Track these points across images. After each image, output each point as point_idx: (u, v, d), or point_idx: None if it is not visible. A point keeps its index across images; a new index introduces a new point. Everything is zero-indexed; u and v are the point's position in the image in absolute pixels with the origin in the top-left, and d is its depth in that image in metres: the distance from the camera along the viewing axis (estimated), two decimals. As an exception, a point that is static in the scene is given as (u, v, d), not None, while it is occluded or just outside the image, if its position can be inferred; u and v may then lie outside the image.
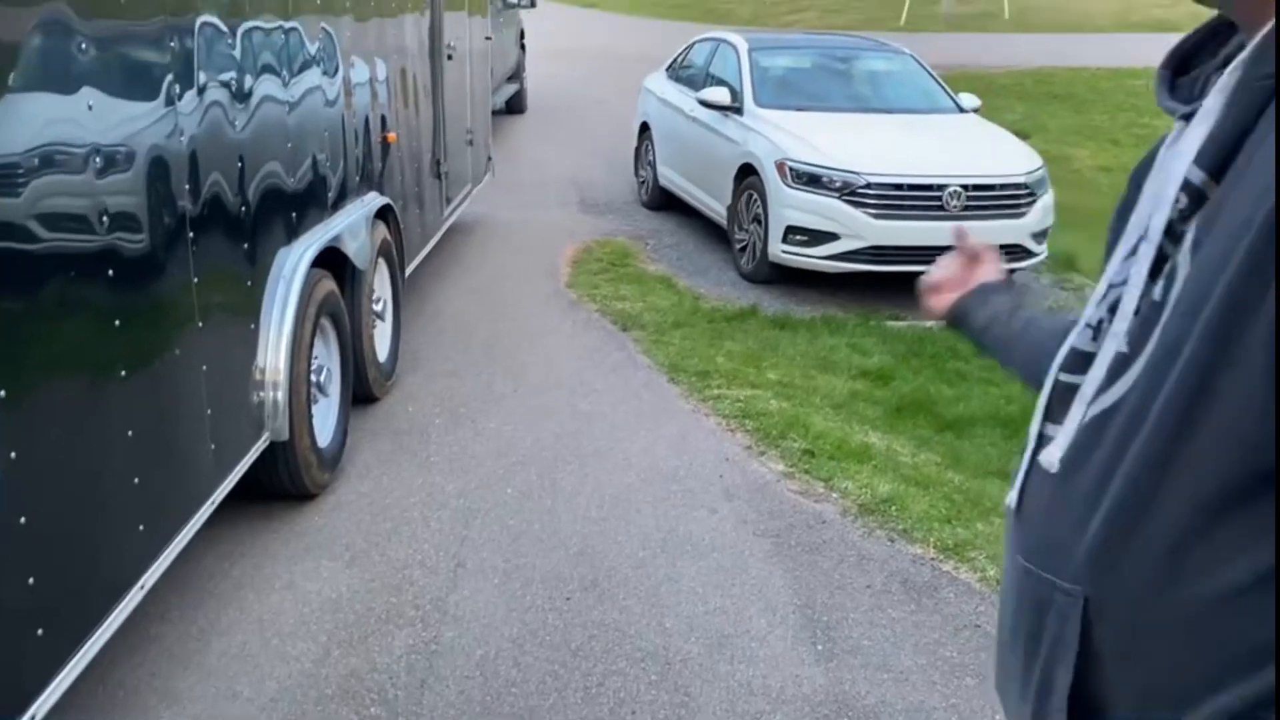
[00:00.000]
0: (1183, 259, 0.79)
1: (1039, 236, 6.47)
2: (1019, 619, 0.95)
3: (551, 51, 16.24)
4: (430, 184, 5.95)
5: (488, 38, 8.06)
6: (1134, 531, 0.80)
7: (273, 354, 3.35)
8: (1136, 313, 0.84)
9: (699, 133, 7.61)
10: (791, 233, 6.38)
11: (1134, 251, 0.87)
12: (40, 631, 2.06)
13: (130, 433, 2.42)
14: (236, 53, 3.08)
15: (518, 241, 7.42)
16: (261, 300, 3.35)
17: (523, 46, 12.85)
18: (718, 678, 2.90)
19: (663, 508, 3.82)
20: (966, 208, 6.20)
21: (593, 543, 3.56)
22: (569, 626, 3.10)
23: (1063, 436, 0.89)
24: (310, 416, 3.64)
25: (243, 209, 3.15)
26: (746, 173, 6.83)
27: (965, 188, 6.20)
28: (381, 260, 4.71)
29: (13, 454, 1.94)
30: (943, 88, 7.69)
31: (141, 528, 2.50)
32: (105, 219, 2.30)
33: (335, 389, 4.02)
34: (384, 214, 4.72)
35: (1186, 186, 0.81)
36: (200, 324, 2.83)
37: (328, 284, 3.84)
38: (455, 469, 4.06)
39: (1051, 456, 0.90)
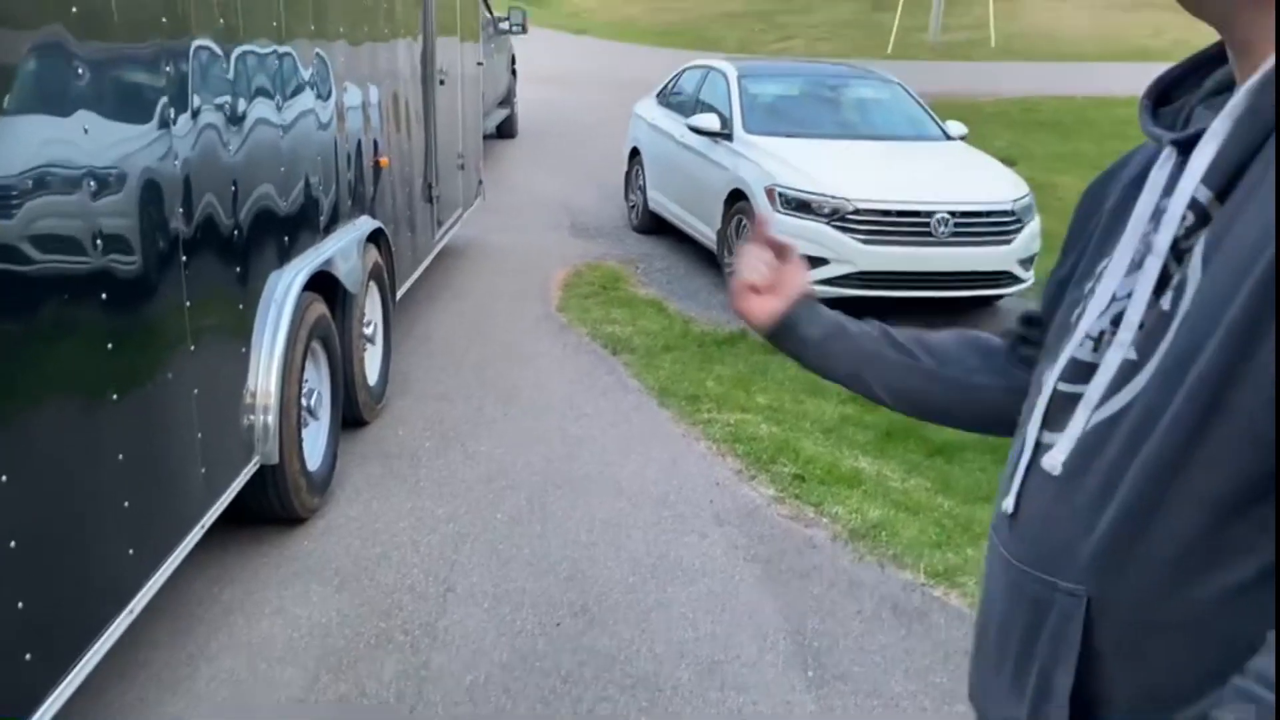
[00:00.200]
0: (1192, 272, 0.83)
1: (1025, 263, 6.52)
2: (1010, 622, 0.97)
3: (543, 76, 16.33)
4: (422, 208, 5.96)
5: (480, 63, 8.10)
6: (1142, 532, 0.83)
7: (264, 377, 3.34)
8: (1141, 325, 0.87)
9: (689, 158, 7.66)
10: (781, 258, 6.40)
11: (1138, 266, 0.90)
12: (29, 656, 2.05)
13: (121, 456, 2.41)
14: (230, 76, 3.09)
15: (509, 265, 7.44)
16: (253, 323, 3.35)
17: (514, 72, 12.92)
18: (708, 704, 2.89)
19: (653, 532, 3.81)
20: (954, 234, 6.25)
21: (583, 568, 3.56)
22: (559, 652, 3.09)
23: (1065, 441, 0.91)
24: (300, 440, 3.63)
25: (235, 232, 3.16)
26: (736, 198, 6.87)
27: (953, 214, 6.25)
28: (373, 284, 4.71)
29: (3, 477, 1.93)
30: (930, 115, 7.76)
31: (131, 551, 2.49)
32: (99, 241, 2.30)
33: (325, 412, 4.01)
34: (375, 238, 4.73)
35: (1193, 205, 0.85)
36: (192, 347, 2.83)
37: (319, 307, 3.84)
38: (445, 493, 4.05)
39: (1055, 460, 0.92)
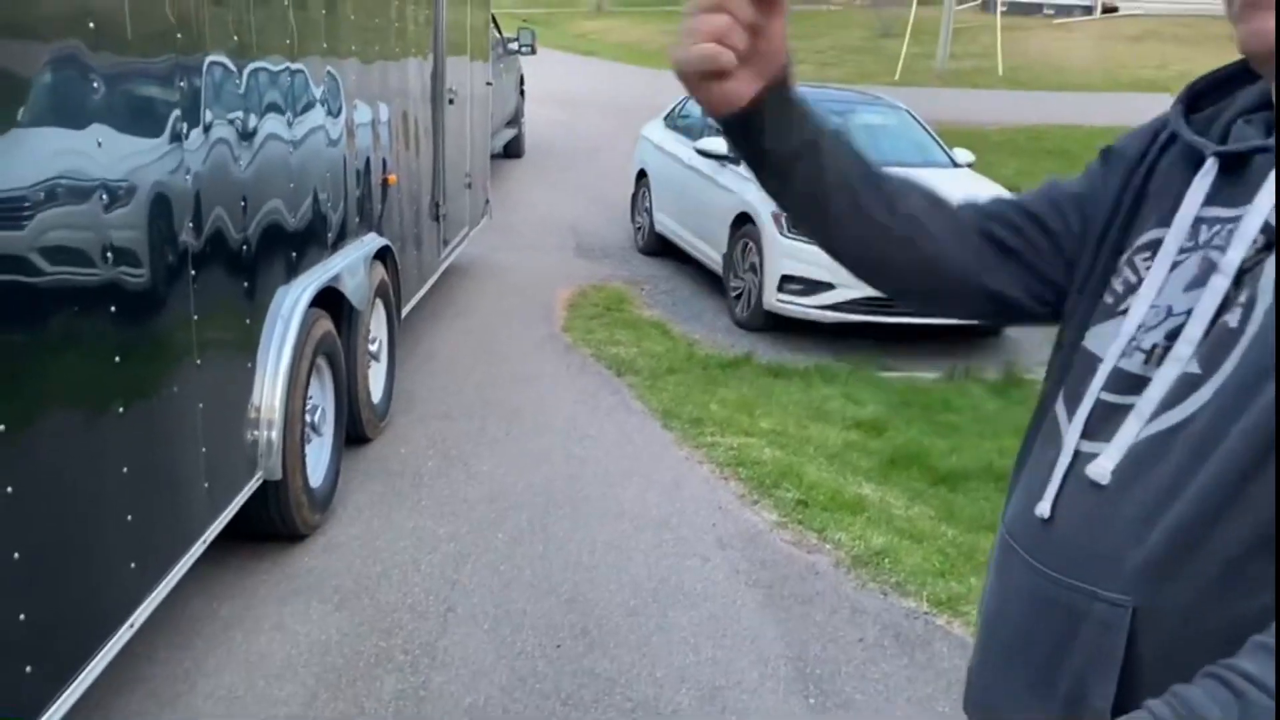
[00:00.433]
0: (1262, 292, 0.85)
1: (1032, 291, 6.52)
2: (1032, 628, 0.97)
3: (551, 97, 16.41)
4: (428, 226, 5.98)
5: (489, 83, 8.14)
6: (1198, 546, 0.84)
7: (269, 392, 3.34)
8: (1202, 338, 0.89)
9: (696, 181, 7.68)
10: (787, 281, 6.42)
11: (1200, 284, 0.91)
12: (29, 668, 2.04)
13: (125, 469, 2.41)
14: (242, 92, 3.11)
15: (514, 285, 7.45)
16: (259, 338, 3.35)
17: (522, 92, 12.99)
18: (709, 729, 2.87)
19: (655, 556, 3.80)
20: (960, 261, 6.25)
21: (584, 590, 3.54)
22: (559, 675, 3.07)
23: (1114, 451, 0.92)
24: (303, 456, 3.62)
25: (244, 247, 3.17)
26: (743, 221, 6.89)
27: (959, 241, 6.25)
28: (378, 301, 4.72)
29: (9, 488, 1.92)
30: (937, 142, 7.78)
31: (133, 565, 2.48)
32: (109, 254, 2.31)
33: (329, 429, 4.01)
34: (382, 255, 4.74)
35: (1265, 228, 0.87)
36: (198, 361, 2.83)
37: (325, 324, 3.84)
38: (446, 512, 4.04)
39: (1103, 470, 0.92)
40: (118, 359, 2.37)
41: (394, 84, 5.01)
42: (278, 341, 3.41)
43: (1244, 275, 0.88)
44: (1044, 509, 0.97)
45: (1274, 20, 0.85)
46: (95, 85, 2.23)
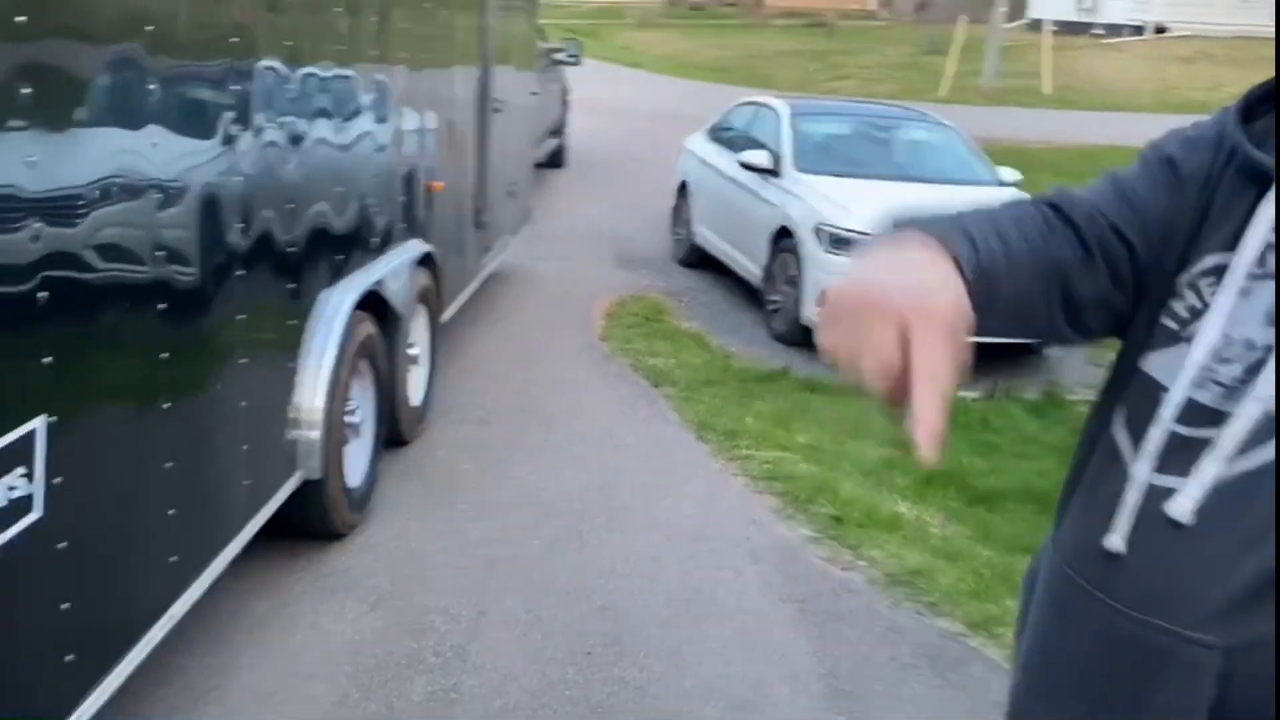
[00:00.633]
0: None
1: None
2: (1103, 664, 0.95)
3: (595, 108, 16.48)
4: (471, 233, 6.03)
5: (534, 93, 8.21)
6: None
7: (310, 393, 3.38)
8: None
9: (737, 194, 7.68)
10: (827, 296, 6.39)
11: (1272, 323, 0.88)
12: (70, 657, 2.08)
13: (169, 464, 2.45)
14: (293, 97, 3.16)
15: (553, 293, 7.49)
16: (303, 339, 3.40)
17: (566, 102, 13.06)
18: (738, 743, 2.86)
19: (688, 567, 3.79)
20: (1003, 280, 6.20)
21: (616, 599, 3.54)
22: (589, 682, 3.07)
23: (1194, 489, 0.89)
24: (342, 457, 3.66)
25: (290, 249, 3.21)
26: (783, 235, 6.88)
27: (1002, 260, 6.20)
28: (420, 306, 4.76)
29: (58, 479, 1.97)
30: (983, 160, 7.73)
31: (174, 559, 2.52)
32: (159, 252, 2.35)
33: (368, 431, 4.05)
34: (425, 260, 4.78)
35: None
36: (243, 360, 2.88)
37: (368, 327, 3.89)
38: (482, 516, 4.06)
39: (1183, 509, 0.90)
40: (165, 355, 2.41)
41: (442, 92, 5.07)
42: (321, 343, 3.45)
43: None
44: (1115, 543, 0.94)
45: None
46: (152, 87, 2.28)
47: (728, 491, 4.46)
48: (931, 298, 0.80)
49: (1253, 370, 0.89)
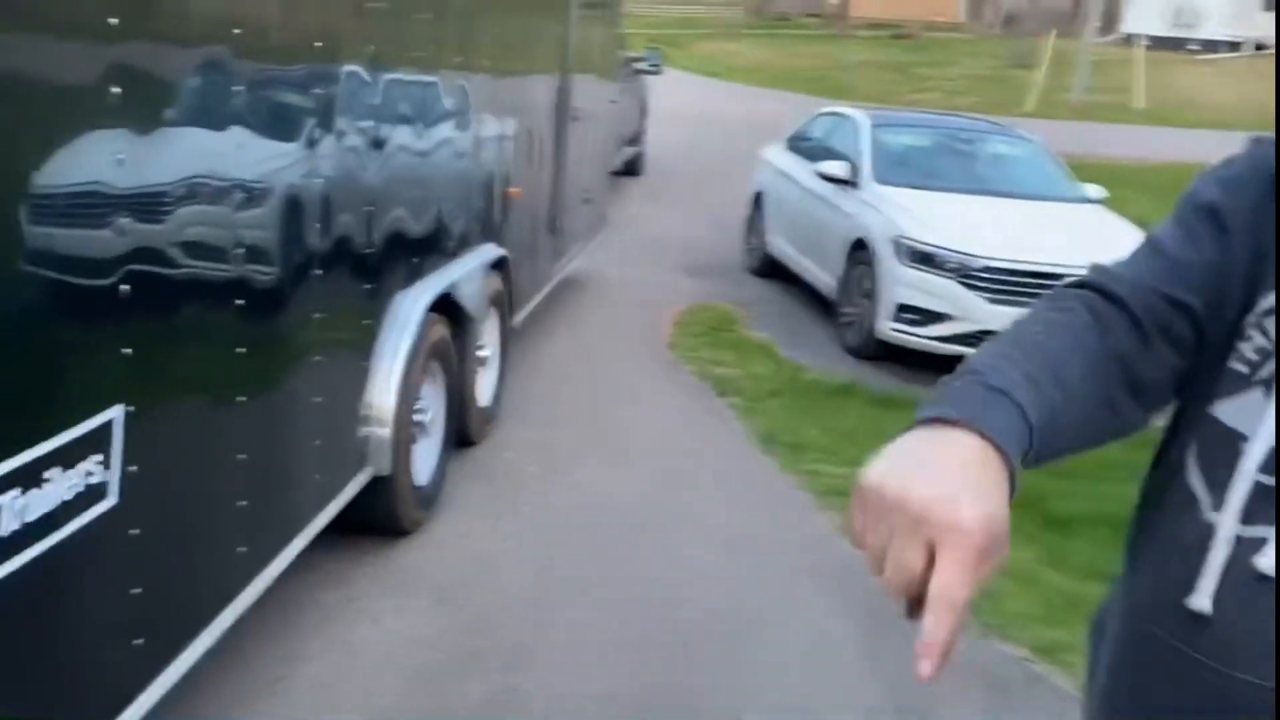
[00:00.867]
0: None
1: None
2: None
3: (673, 117, 16.50)
4: (545, 239, 6.08)
5: (614, 101, 8.26)
6: None
7: (383, 392, 3.44)
8: None
9: (814, 204, 7.63)
10: (902, 311, 6.32)
11: None
12: (140, 641, 2.14)
13: (242, 456, 2.51)
14: (376, 102, 3.22)
15: (624, 300, 7.51)
16: (377, 339, 3.46)
17: (645, 112, 13.11)
18: (793, 759, 2.83)
19: (748, 580, 3.77)
20: (1084, 299, 6.05)
21: (674, 607, 3.53)
22: (645, 690, 3.07)
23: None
24: (411, 455, 3.72)
25: (368, 251, 3.27)
26: (859, 247, 6.81)
27: (1084, 278, 6.06)
28: (493, 309, 4.82)
29: (134, 467, 2.03)
30: (1067, 176, 7.56)
31: (242, 549, 2.58)
32: (239, 251, 2.42)
33: (438, 430, 4.10)
34: (499, 265, 4.84)
35: None
36: (318, 358, 2.94)
37: (441, 329, 3.94)
38: (545, 519, 4.09)
39: (1270, 563, 0.86)
40: (241, 350, 2.48)
41: (522, 100, 5.13)
42: (394, 343, 3.51)
43: None
44: (1203, 604, 0.89)
45: None
46: (237, 90, 2.34)
47: (791, 505, 4.42)
48: (963, 517, 0.76)
49: None
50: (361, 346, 3.38)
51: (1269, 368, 0.90)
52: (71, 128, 1.80)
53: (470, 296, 4.28)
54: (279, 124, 2.63)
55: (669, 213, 10.87)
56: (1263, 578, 0.87)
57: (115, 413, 1.96)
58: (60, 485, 1.83)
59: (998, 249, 6.16)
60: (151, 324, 2.10)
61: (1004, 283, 6.06)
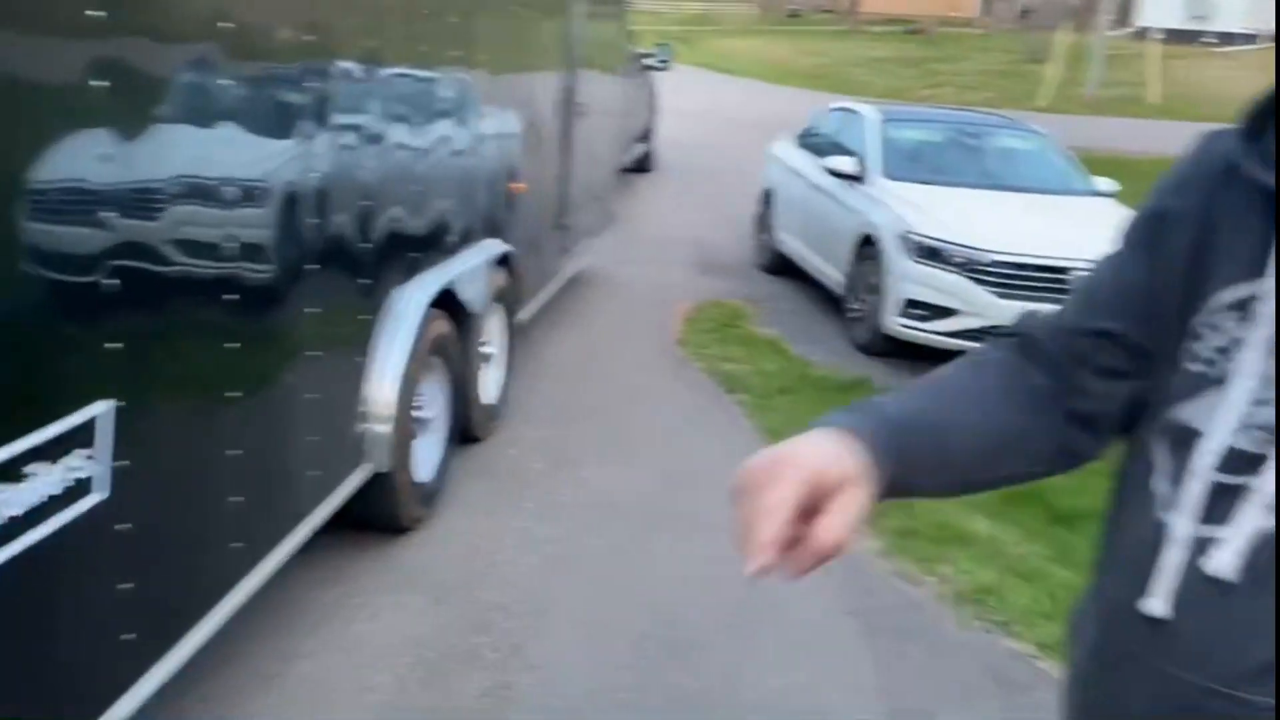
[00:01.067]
0: None
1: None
2: None
3: (685, 114, 16.47)
4: (552, 235, 6.07)
5: (621, 97, 8.23)
6: None
7: (381, 388, 3.43)
8: None
9: (822, 200, 7.59)
10: (910, 306, 6.27)
11: None
12: (130, 636, 2.13)
13: (235, 452, 2.50)
14: (372, 98, 3.21)
15: (633, 296, 7.49)
16: (375, 335, 3.45)
17: (655, 108, 13.08)
18: (792, 757, 2.81)
19: (750, 577, 3.73)
20: (1095, 293, 5.99)
21: (677, 604, 3.51)
22: (645, 687, 3.05)
23: (1240, 542, 0.83)
24: (412, 452, 3.71)
25: (364, 246, 3.26)
26: (866, 243, 6.77)
27: (1094, 272, 6.00)
28: (497, 305, 4.81)
29: (121, 463, 2.02)
30: (1078, 169, 7.50)
31: (237, 545, 2.57)
32: (229, 247, 2.41)
33: (440, 427, 4.09)
34: (504, 261, 4.82)
35: None
36: (312, 353, 2.93)
37: (442, 325, 3.93)
38: (548, 516, 4.07)
39: (1225, 564, 0.84)
40: (234, 346, 2.47)
41: (525, 95, 5.11)
42: (392, 339, 3.50)
43: None
44: (1158, 607, 0.88)
45: None
46: (226, 84, 2.33)
47: (797, 501, 4.38)
48: (795, 453, 0.89)
49: None
50: (359, 342, 3.37)
51: (1226, 365, 0.87)
52: (56, 122, 1.80)
53: (472, 292, 4.27)
54: (272, 118, 2.62)
55: (679, 209, 10.85)
56: (1212, 580, 0.84)
57: (103, 407, 1.96)
58: (45, 480, 1.82)
59: (1006, 243, 6.11)
60: (140, 319, 2.09)
61: (1012, 277, 6.00)
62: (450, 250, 4.13)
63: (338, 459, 3.23)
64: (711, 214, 10.60)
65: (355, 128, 3.10)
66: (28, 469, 1.76)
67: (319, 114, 2.84)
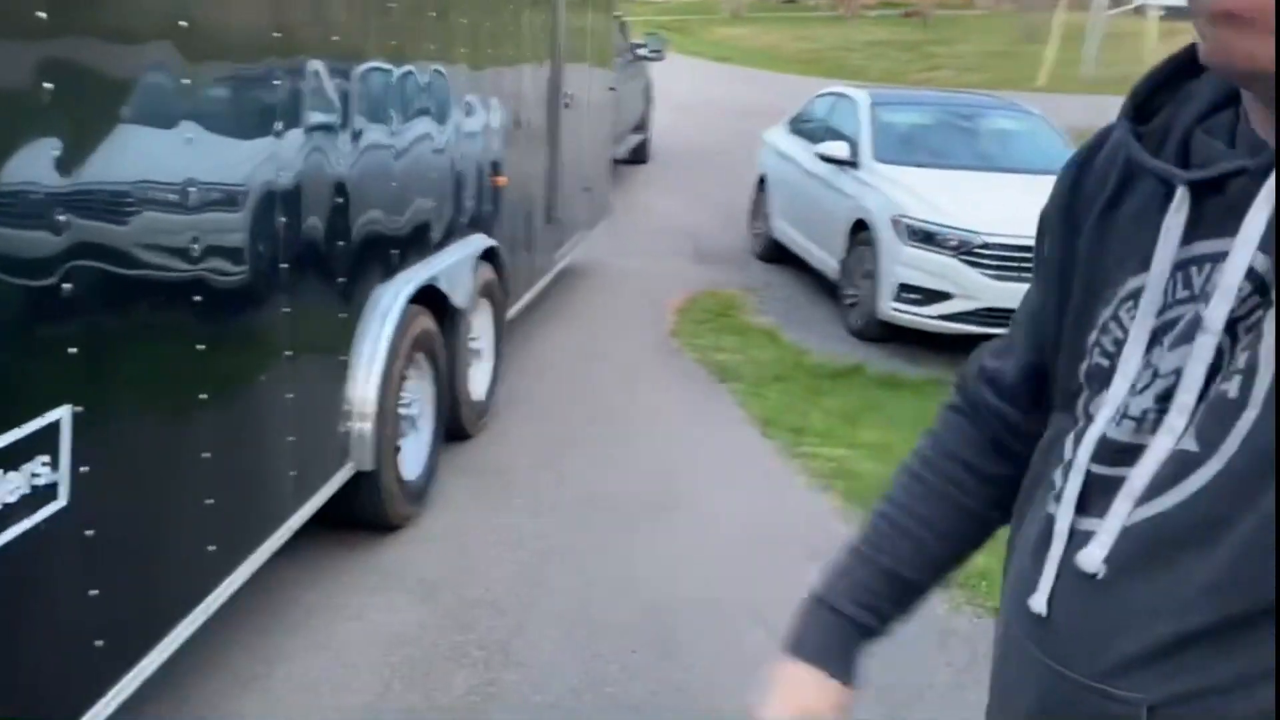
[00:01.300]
0: (1265, 360, 0.73)
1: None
2: None
3: (681, 103, 16.42)
4: (542, 228, 6.03)
5: (611, 88, 8.19)
6: (1214, 643, 0.74)
7: (363, 386, 3.41)
8: (1196, 408, 0.77)
9: (814, 186, 7.55)
10: (904, 290, 6.24)
11: (1187, 339, 0.79)
12: (100, 643, 2.12)
13: (206, 454, 2.48)
14: (345, 94, 3.18)
15: (628, 288, 7.46)
16: (355, 333, 3.43)
17: (650, 98, 13.03)
18: (779, 747, 2.78)
19: (741, 566, 3.72)
20: (1089, 273, 5.95)
21: (665, 597, 3.49)
22: (630, 680, 3.03)
23: (1106, 536, 0.81)
24: (397, 450, 3.68)
25: (340, 245, 3.24)
26: (860, 228, 6.73)
27: (1089, 252, 5.96)
28: (484, 300, 4.78)
29: (83, 468, 2.00)
30: (1073, 149, 7.44)
31: (212, 548, 2.55)
32: (196, 247, 2.38)
33: (427, 424, 4.07)
34: (489, 255, 4.79)
35: (1250, 274, 0.75)
36: (288, 353, 2.91)
37: (425, 321, 3.90)
38: (537, 511, 4.05)
39: (1094, 559, 0.82)
40: (201, 348, 2.44)
41: (507, 87, 5.07)
42: (373, 337, 3.48)
43: (1238, 327, 0.75)
44: (1039, 604, 0.86)
45: (1255, 41, 0.70)
46: (185, 83, 2.30)
47: (788, 489, 4.37)
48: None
49: (1164, 400, 0.80)
50: (339, 342, 3.35)
51: (1118, 356, 0.85)
52: (11, 125, 1.77)
53: (456, 287, 4.24)
54: (242, 116, 2.59)
55: (675, 200, 10.81)
56: (1084, 574, 0.82)
57: (62, 413, 1.94)
58: (3, 488, 1.80)
59: (999, 225, 6.06)
60: (100, 323, 2.07)
61: (1006, 259, 5.96)
62: (431, 246, 4.10)
63: (320, 459, 3.21)
64: (708, 203, 10.56)
65: (329, 125, 3.08)
66: (-17, 477, 1.74)
67: (289, 111, 2.82)
